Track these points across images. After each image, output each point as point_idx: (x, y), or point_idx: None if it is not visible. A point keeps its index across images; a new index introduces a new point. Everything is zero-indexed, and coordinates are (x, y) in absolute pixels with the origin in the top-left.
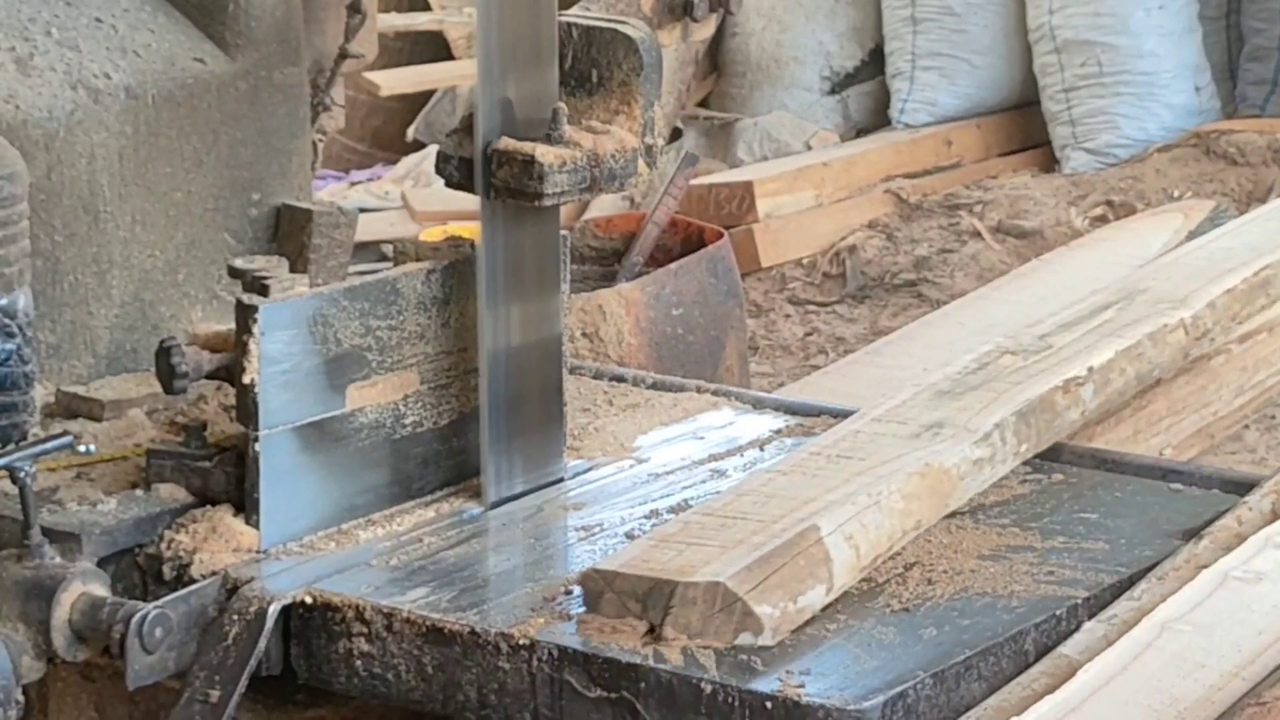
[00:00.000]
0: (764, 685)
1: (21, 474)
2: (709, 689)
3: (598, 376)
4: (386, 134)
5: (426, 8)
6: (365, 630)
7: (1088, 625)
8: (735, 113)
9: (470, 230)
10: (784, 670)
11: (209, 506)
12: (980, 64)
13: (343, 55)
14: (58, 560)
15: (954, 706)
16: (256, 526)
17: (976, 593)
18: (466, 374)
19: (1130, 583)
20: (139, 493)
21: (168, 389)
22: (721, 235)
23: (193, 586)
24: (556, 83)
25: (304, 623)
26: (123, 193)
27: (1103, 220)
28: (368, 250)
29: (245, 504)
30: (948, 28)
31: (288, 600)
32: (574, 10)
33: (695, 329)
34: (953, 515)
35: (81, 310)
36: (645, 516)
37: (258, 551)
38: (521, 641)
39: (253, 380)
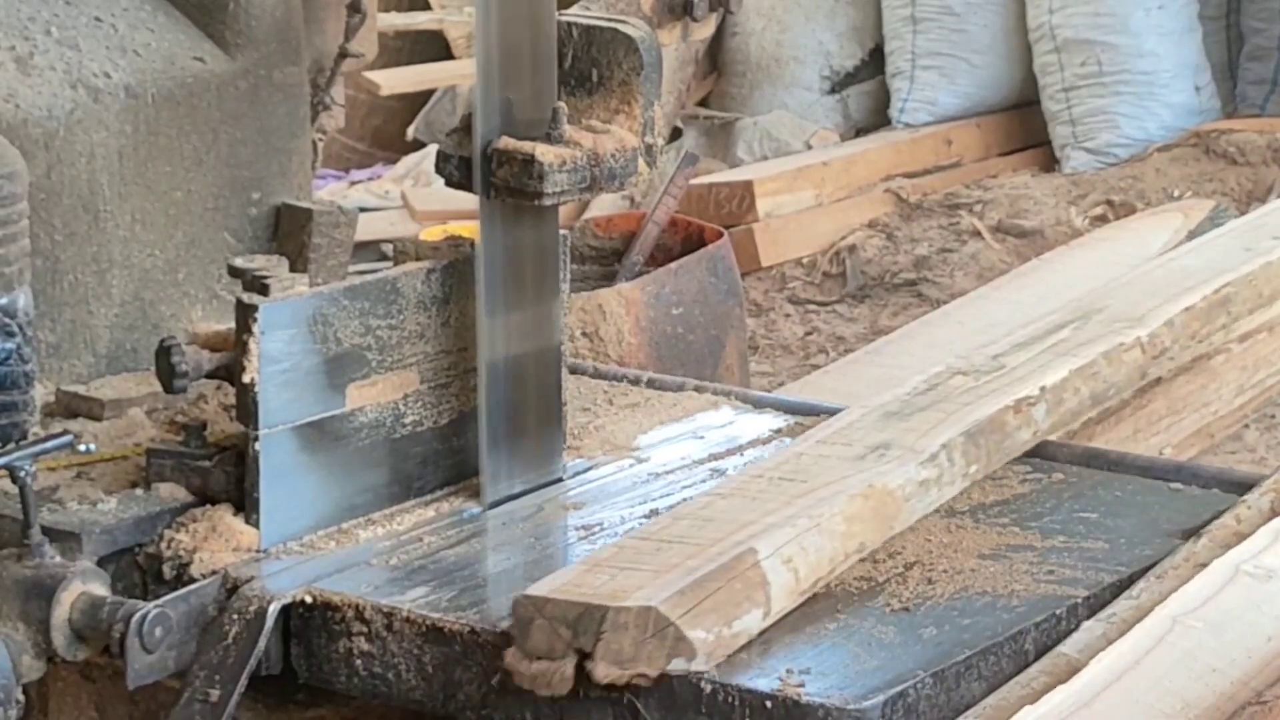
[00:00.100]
0: (764, 684)
1: (22, 473)
2: (709, 688)
3: (598, 376)
4: (386, 133)
5: (426, 7)
6: (365, 629)
7: (1087, 624)
8: (735, 112)
9: (470, 230)
10: (784, 669)
11: (209, 506)
12: (980, 63)
13: (343, 54)
14: (58, 559)
15: (954, 706)
16: (256, 526)
17: (976, 592)
18: (466, 373)
19: (1130, 582)
20: (139, 492)
21: (168, 388)
22: (721, 235)
23: (193, 586)
24: (556, 82)
25: (304, 622)
26: (123, 192)
27: (1103, 220)
28: (368, 249)
29: (245, 503)
30: (948, 27)
31: (288, 599)
32: (574, 9)
33: (695, 328)
34: (952, 515)
35: (81, 309)
36: (645, 516)
37: (258, 551)
38: None
39: (253, 379)
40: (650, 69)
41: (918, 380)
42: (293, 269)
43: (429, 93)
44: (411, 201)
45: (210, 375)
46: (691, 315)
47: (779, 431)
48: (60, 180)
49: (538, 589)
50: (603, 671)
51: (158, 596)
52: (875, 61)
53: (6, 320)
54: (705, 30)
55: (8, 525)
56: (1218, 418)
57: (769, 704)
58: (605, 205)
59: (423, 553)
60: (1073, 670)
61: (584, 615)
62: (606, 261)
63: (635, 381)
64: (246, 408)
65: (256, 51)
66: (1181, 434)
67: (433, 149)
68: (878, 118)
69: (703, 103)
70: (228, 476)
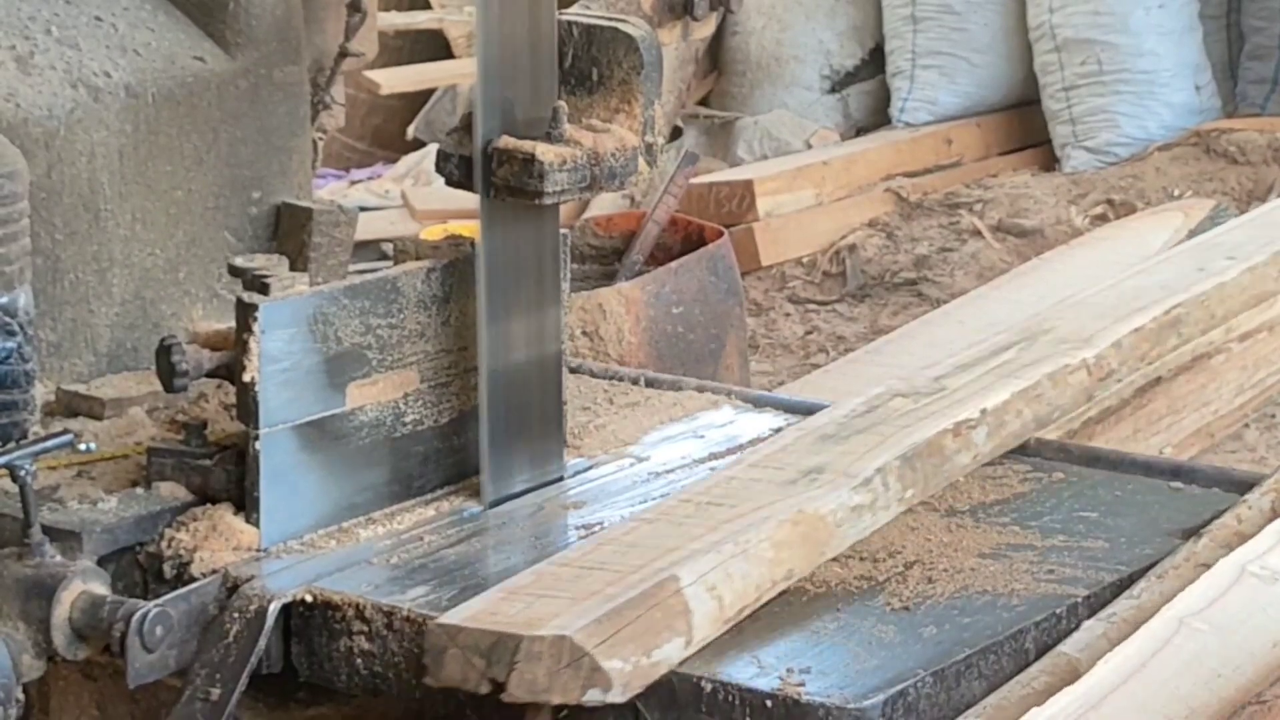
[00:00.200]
0: (764, 684)
1: (22, 472)
2: (709, 687)
3: (598, 375)
4: (387, 132)
5: (427, 6)
6: (365, 628)
7: (1088, 624)
8: (735, 111)
9: (470, 229)
10: (784, 669)
11: (209, 505)
12: (980, 63)
13: (343, 54)
14: (58, 558)
15: (954, 705)
16: (257, 525)
17: (977, 591)
18: (466, 372)
19: (1130, 581)
20: (139, 491)
21: (168, 387)
22: (722, 234)
23: (193, 585)
24: (556, 81)
25: (304, 621)
26: (123, 191)
27: (1103, 219)
28: (368, 249)
29: (245, 502)
30: (948, 26)
31: (288, 598)
32: (574, 9)
33: (695, 327)
34: (953, 514)
35: (82, 308)
36: None
37: (258, 550)
38: None
39: (253, 378)
40: (650, 68)
41: (856, 402)
42: (293, 268)
43: (429, 92)
44: (412, 201)
45: (211, 374)
46: (692, 314)
47: (779, 431)
48: (61, 179)
49: (451, 617)
50: (517, 694)
51: (158, 595)
52: (875, 61)
53: (7, 319)
54: (705, 29)
55: (8, 524)
56: (1218, 417)
57: (769, 703)
58: (605, 204)
59: (423, 552)
60: (1073, 670)
61: (497, 644)
62: (607, 261)
63: (635, 381)
64: (247, 407)
65: (257, 51)
66: (1182, 433)
67: (433, 148)
68: (878, 117)
69: (703, 102)
70: (228, 475)
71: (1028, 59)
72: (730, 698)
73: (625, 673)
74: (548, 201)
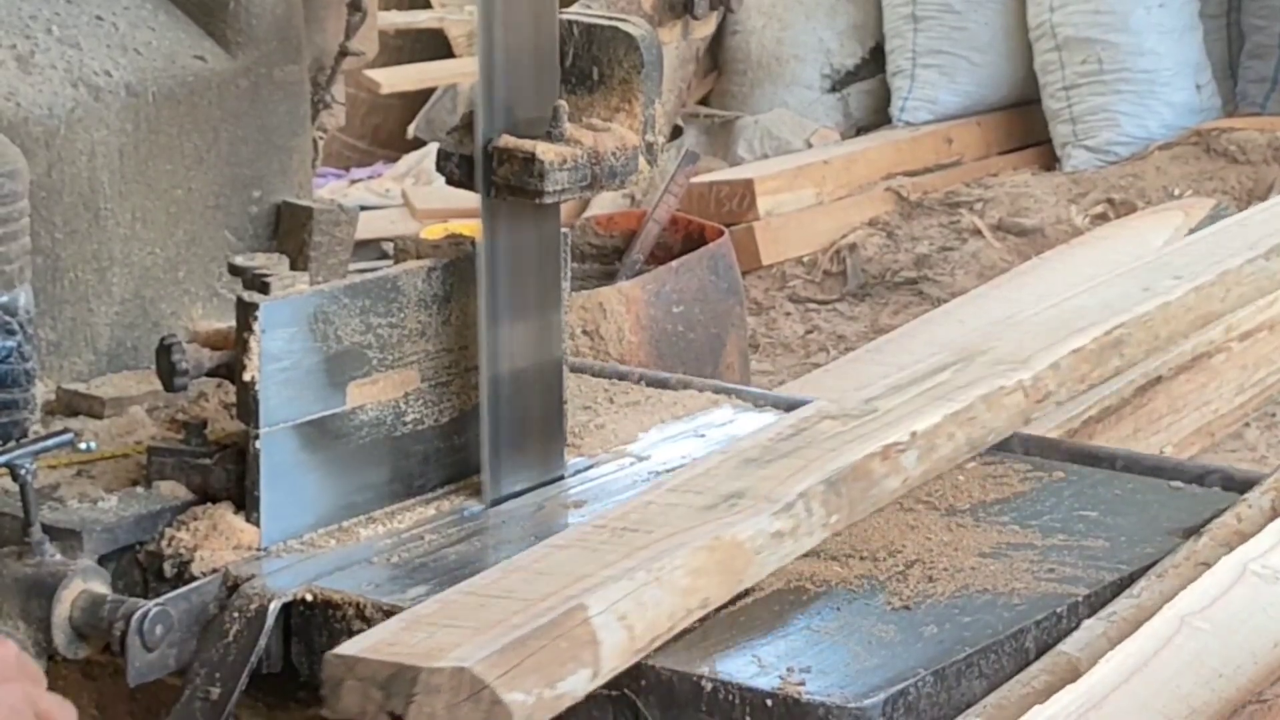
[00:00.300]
0: (764, 683)
1: (22, 471)
2: (709, 686)
3: (598, 374)
4: (387, 132)
5: (427, 5)
6: (366, 628)
7: (1088, 623)
8: (736, 110)
9: (471, 228)
10: (785, 668)
11: (210, 504)
12: (980, 62)
13: (343, 53)
14: (58, 558)
15: (954, 704)
16: (257, 524)
17: (977, 590)
18: (467, 371)
19: (1131, 580)
20: (140, 490)
21: (168, 386)
22: (722, 233)
23: (193, 584)
24: (557, 80)
25: (305, 620)
26: (123, 190)
27: (1103, 218)
28: (368, 248)
29: (246, 501)
30: (948, 25)
31: (288, 598)
32: (575, 8)
33: (696, 327)
34: (953, 514)
35: (82, 307)
36: None
37: (258, 549)
38: None
39: (253, 378)
40: (651, 67)
41: (783, 424)
42: (293, 267)
43: (429, 91)
44: (412, 200)
45: (211, 373)
46: (692, 313)
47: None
48: (61, 178)
49: (349, 647)
50: None
51: (158, 594)
52: (876, 60)
53: (7, 318)
54: (706, 28)
55: (8, 523)
56: (1218, 416)
57: (769, 702)
58: (606, 203)
59: (424, 551)
60: (1074, 669)
61: (396, 676)
62: (607, 260)
63: (636, 380)
64: (247, 406)
65: (257, 50)
66: (1182, 432)
67: (433, 147)
68: (878, 116)
69: (703, 101)
70: (228, 474)
71: (1028, 58)
72: (730, 696)
73: (528, 705)
74: (548, 200)
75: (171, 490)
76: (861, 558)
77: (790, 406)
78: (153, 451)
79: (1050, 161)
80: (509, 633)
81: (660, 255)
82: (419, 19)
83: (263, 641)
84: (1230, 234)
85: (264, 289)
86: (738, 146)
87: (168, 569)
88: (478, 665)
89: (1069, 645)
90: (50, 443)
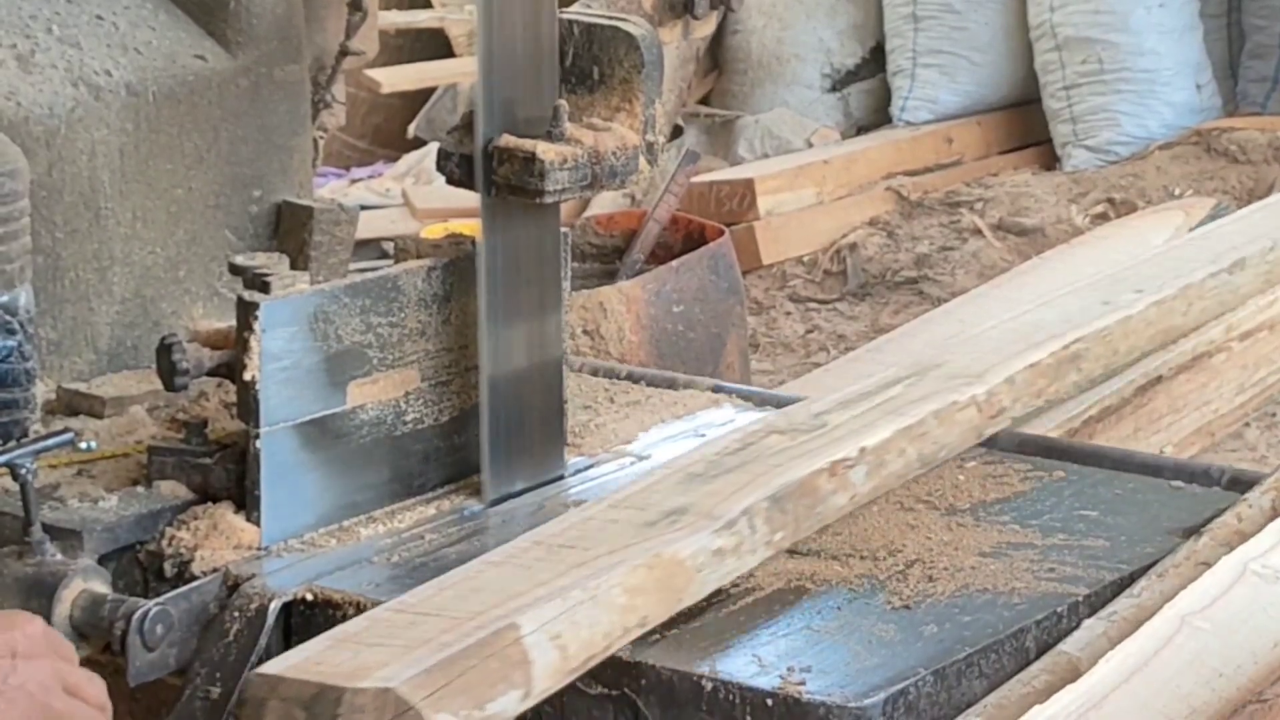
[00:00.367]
0: (765, 682)
1: (22, 471)
2: (709, 686)
3: (599, 373)
4: (387, 131)
5: (428, 5)
6: None
7: (1088, 622)
8: (736, 110)
9: (471, 227)
10: (785, 667)
11: (210, 503)
12: (981, 61)
13: (344, 52)
14: (59, 557)
15: (955, 704)
16: (257, 523)
17: (977, 590)
18: (467, 371)
19: (1131, 580)
20: (140, 490)
21: (169, 386)
22: (722, 232)
23: (194, 583)
24: (557, 80)
25: (305, 620)
26: (124, 189)
27: (1103, 218)
28: (369, 247)
29: (246, 501)
30: (948, 25)
31: (289, 597)
32: (575, 7)
33: (696, 326)
34: (953, 513)
35: (82, 307)
36: None
37: (259, 548)
38: None
39: (254, 377)
40: (651, 67)
41: (730, 438)
42: (294, 267)
43: (430, 90)
44: (412, 199)
45: (211, 373)
46: (692, 313)
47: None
48: (61, 178)
49: (272, 666)
50: None
51: (159, 594)
52: (876, 59)
53: (7, 318)
54: (706, 28)
55: (8, 523)
56: (1218, 416)
57: (770, 702)
58: (606, 203)
59: (424, 550)
60: (1074, 668)
61: (319, 696)
62: (607, 259)
63: (636, 379)
64: (247, 405)
65: (258, 49)
66: (1182, 432)
67: (434, 147)
68: (879, 116)
69: (704, 100)
70: (229, 474)
71: (1028, 58)
72: (731, 696)
73: None
74: (549, 200)
75: (172, 490)
76: (862, 557)
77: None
78: (153, 451)
79: (1051, 161)
80: (437, 652)
81: (661, 255)
82: (419, 18)
83: (263, 641)
84: (1193, 247)
85: (264, 288)
86: (738, 146)
87: (168, 568)
88: (403, 685)
89: (1069, 645)
90: (51, 442)
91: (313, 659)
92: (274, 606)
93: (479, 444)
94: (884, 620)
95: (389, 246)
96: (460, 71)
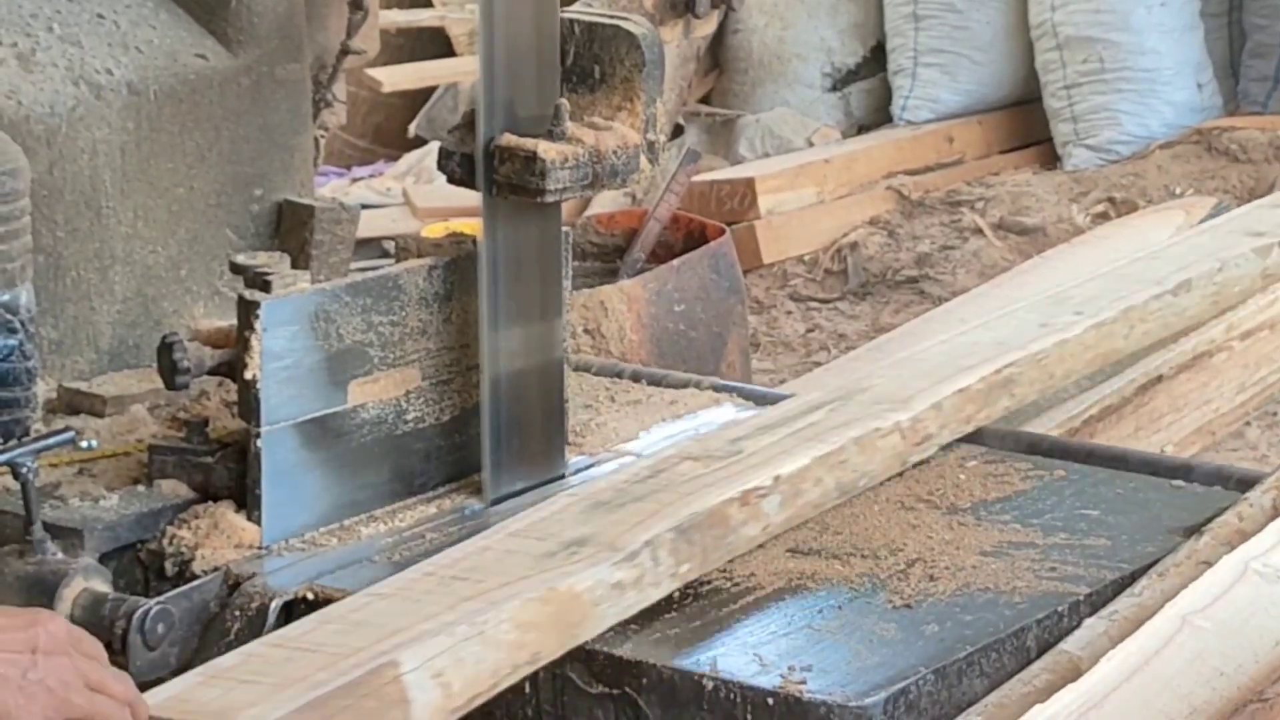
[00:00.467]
0: (766, 681)
1: (23, 469)
2: (710, 685)
3: (599, 372)
4: (388, 130)
5: (429, 4)
6: None
7: (1089, 622)
8: (737, 109)
9: (472, 226)
10: (786, 666)
11: (211, 502)
12: (982, 60)
13: (345, 51)
14: (60, 556)
15: (956, 703)
16: (258, 522)
17: (978, 589)
18: (468, 370)
19: (1132, 579)
20: (141, 488)
21: (169, 385)
22: (723, 232)
23: (195, 582)
24: (558, 79)
25: None
26: (125, 188)
27: (1104, 217)
28: (369, 246)
29: (247, 500)
30: (949, 24)
31: (289, 596)
32: (576, 6)
33: (697, 325)
34: (954, 512)
35: (83, 306)
36: None
37: (259, 547)
38: None
39: (254, 376)
40: (652, 66)
41: (641, 464)
42: (295, 266)
43: (431, 90)
44: (413, 198)
45: (212, 372)
46: (693, 312)
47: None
48: (62, 177)
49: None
50: None
51: (160, 593)
52: (877, 59)
53: (8, 317)
54: (707, 27)
55: (10, 522)
56: (1219, 415)
57: (771, 701)
58: (607, 202)
59: (424, 549)
60: (1075, 668)
61: None
62: (608, 258)
63: (637, 378)
64: (248, 404)
65: (259, 48)
66: (1183, 431)
67: (434, 146)
68: (879, 115)
69: (705, 100)
70: (230, 473)
71: (1029, 57)
72: (732, 695)
73: None
74: (550, 199)
75: (173, 489)
76: (863, 556)
77: None
78: (154, 450)
79: (1051, 160)
80: (311, 690)
81: (661, 254)
82: (420, 17)
83: None
84: (1139, 267)
85: (265, 287)
86: (739, 145)
87: (169, 567)
88: None
89: (1070, 644)
90: (52, 441)
91: (181, 695)
92: (275, 605)
93: (480, 443)
94: (885, 619)
95: (390, 245)
96: (461, 70)
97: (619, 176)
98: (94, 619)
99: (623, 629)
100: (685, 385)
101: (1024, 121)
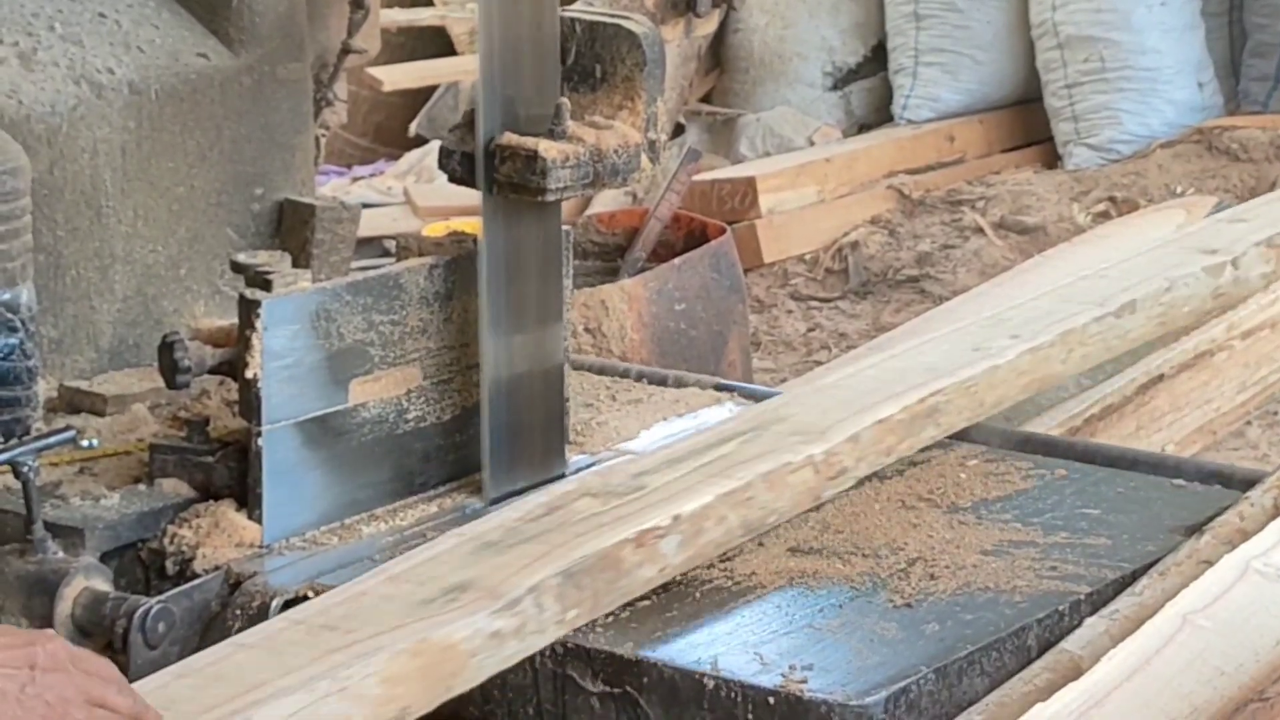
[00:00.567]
0: (767, 680)
1: (24, 469)
2: (712, 684)
3: (600, 371)
4: (389, 129)
5: (429, 3)
6: None
7: (1090, 621)
8: (738, 108)
9: (473, 225)
10: (787, 665)
11: (212, 501)
12: (983, 60)
13: (346, 50)
14: (61, 555)
15: (956, 702)
16: (259, 521)
17: (979, 588)
18: (469, 369)
19: (1133, 578)
20: (142, 487)
21: (170, 384)
22: (724, 231)
23: (195, 581)
24: (559, 78)
25: None
26: (125, 188)
27: (1105, 216)
28: (370, 246)
29: (248, 499)
30: (950, 24)
31: (290, 595)
32: (577, 5)
33: (698, 324)
34: (955, 511)
35: (84, 305)
36: None
37: (260, 546)
38: None
39: (255, 375)
40: (653, 65)
41: (536, 501)
42: (295, 265)
43: (431, 89)
44: (414, 197)
45: (213, 371)
46: (694, 311)
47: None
48: (63, 176)
49: None
50: None
51: (160, 592)
52: (878, 58)
53: (9, 315)
54: (708, 26)
55: (10, 521)
56: (1220, 414)
57: (772, 700)
58: (608, 201)
59: None
60: (1076, 667)
61: None
62: (609, 257)
63: (638, 377)
64: (249, 403)
65: (260, 48)
66: (1184, 431)
67: (435, 145)
68: (880, 114)
69: (705, 99)
70: (230, 472)
71: (1030, 56)
72: (733, 694)
73: None
74: (550, 198)
75: (174, 488)
76: (864, 555)
77: None
78: (155, 449)
79: (1052, 159)
80: None
81: (662, 253)
82: (421, 16)
83: None
84: (1083, 287)
85: (266, 286)
86: (740, 144)
87: (170, 566)
88: None
89: (1071, 643)
90: (52, 440)
91: None
92: (275, 604)
93: (480, 442)
94: (886, 618)
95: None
96: (462, 69)
97: (620, 175)
98: (95, 618)
99: (623, 628)
100: (687, 385)
101: (1025, 121)
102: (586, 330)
